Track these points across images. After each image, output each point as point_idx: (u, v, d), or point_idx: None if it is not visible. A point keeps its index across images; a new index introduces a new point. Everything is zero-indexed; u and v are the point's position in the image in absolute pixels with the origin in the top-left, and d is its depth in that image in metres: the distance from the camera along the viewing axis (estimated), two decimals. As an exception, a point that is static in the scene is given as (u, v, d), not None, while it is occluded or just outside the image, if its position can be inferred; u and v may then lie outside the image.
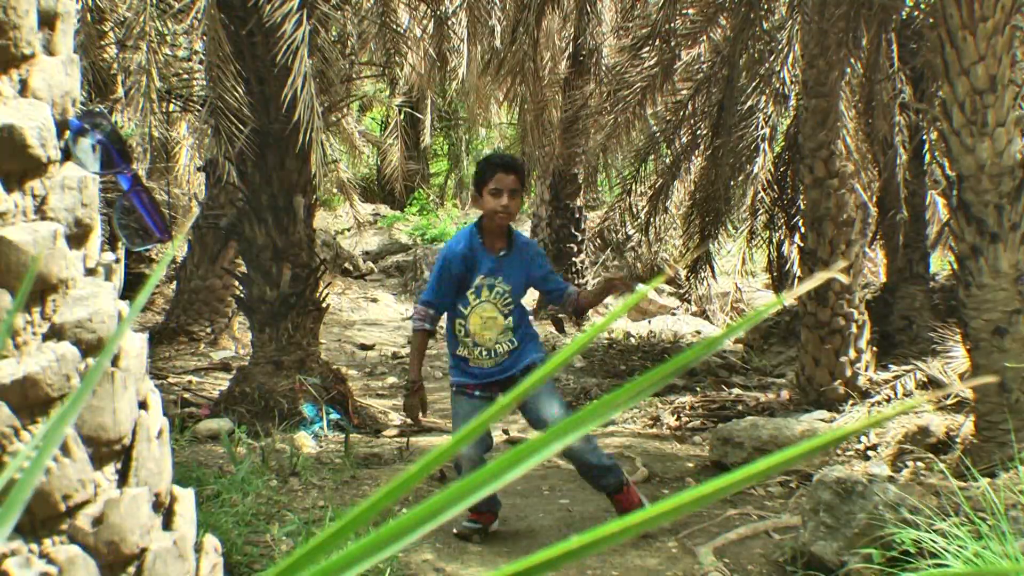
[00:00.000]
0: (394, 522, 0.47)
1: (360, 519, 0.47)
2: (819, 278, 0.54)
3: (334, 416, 6.48)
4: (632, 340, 10.13)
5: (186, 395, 7.26)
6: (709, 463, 5.71)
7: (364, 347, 11.16)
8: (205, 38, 5.79)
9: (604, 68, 10.33)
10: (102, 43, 8.04)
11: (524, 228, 18.30)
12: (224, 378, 8.00)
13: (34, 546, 1.65)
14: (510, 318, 3.80)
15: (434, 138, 20.64)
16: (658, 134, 9.11)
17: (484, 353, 3.83)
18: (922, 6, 6.60)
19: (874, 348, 6.90)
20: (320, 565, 0.47)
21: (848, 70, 6.64)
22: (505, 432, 6.69)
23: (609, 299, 13.36)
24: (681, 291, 12.42)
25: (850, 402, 6.31)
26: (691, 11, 8.10)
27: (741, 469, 0.47)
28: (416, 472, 0.47)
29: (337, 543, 0.48)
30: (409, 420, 4.07)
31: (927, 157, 8.02)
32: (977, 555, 2.71)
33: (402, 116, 12.95)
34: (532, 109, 9.25)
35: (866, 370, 6.61)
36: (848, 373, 6.48)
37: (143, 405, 1.93)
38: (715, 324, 11.43)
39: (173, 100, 6.96)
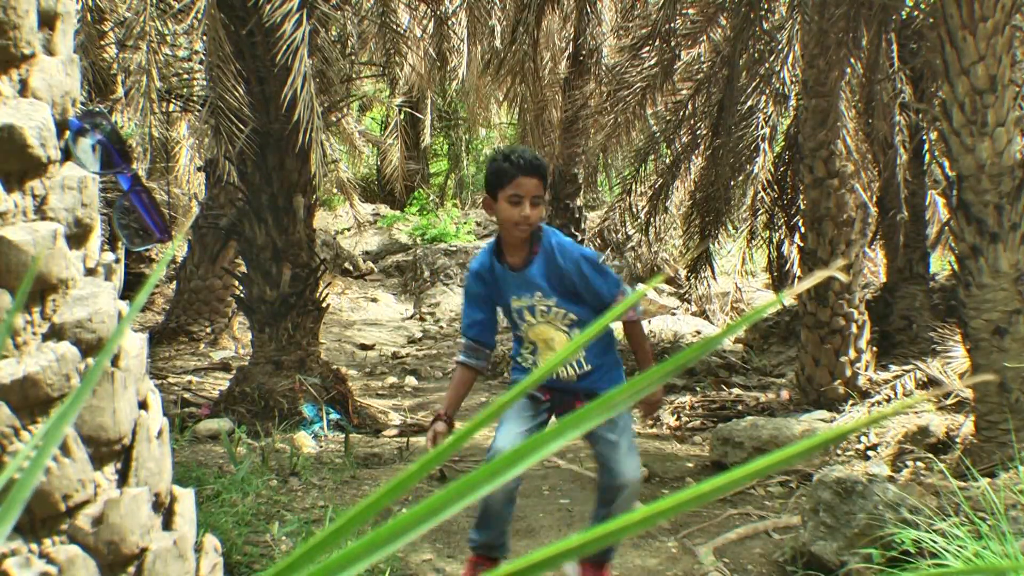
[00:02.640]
0: (393, 521, 0.47)
1: (359, 518, 0.47)
2: (818, 277, 0.54)
3: (334, 416, 6.48)
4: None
5: (186, 395, 7.26)
6: (709, 463, 5.71)
7: (364, 347, 11.16)
8: (205, 38, 5.79)
9: (604, 68, 10.33)
10: (102, 43, 8.05)
11: (524, 228, 18.30)
12: (224, 378, 8.00)
13: (34, 546, 1.65)
14: (575, 331, 3.08)
15: (434, 138, 20.64)
16: (658, 134, 9.11)
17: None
18: (922, 6, 6.59)
19: (874, 348, 6.90)
20: (319, 564, 0.47)
21: (848, 70, 6.64)
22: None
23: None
24: (681, 291, 12.42)
25: (850, 402, 6.31)
26: (691, 11, 8.10)
27: (741, 468, 0.47)
28: (416, 471, 0.47)
29: (336, 542, 0.48)
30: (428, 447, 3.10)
31: (927, 157, 8.02)
32: (977, 555, 2.71)
33: (402, 116, 12.96)
34: (532, 109, 9.25)
35: (866, 370, 6.61)
36: (848, 373, 6.48)
37: (143, 405, 1.93)
38: (715, 324, 11.43)
39: (173, 100, 6.96)
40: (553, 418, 3.30)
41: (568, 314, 3.05)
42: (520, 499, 4.93)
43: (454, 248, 15.52)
